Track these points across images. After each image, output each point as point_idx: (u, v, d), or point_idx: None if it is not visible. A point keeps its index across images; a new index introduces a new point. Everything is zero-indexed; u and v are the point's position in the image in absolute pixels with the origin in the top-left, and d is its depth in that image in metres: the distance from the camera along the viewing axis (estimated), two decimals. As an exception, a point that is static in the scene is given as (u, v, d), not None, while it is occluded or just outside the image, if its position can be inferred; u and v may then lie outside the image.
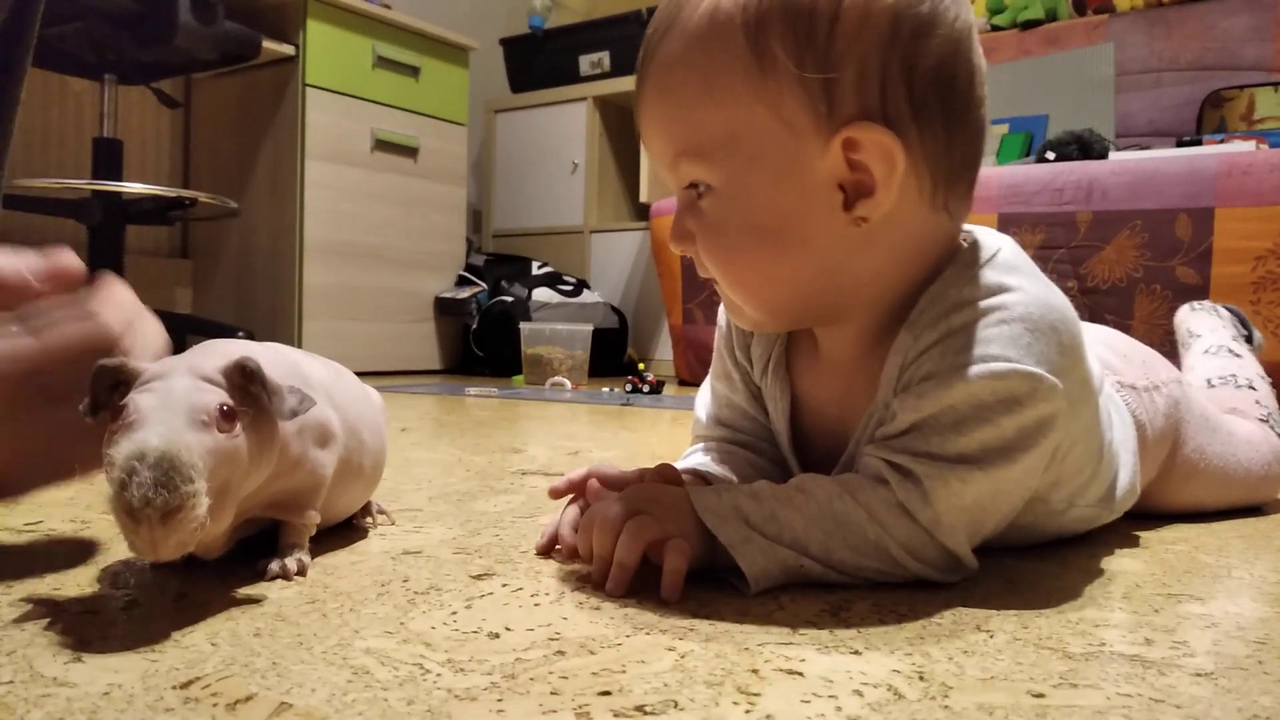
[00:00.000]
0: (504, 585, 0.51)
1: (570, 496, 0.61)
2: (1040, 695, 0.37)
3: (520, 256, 3.12)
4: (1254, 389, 0.89)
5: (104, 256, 2.09)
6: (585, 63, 3.13)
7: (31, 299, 0.49)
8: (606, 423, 1.53)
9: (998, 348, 0.51)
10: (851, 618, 0.47)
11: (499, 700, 0.35)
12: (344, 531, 0.63)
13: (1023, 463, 0.52)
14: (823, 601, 0.49)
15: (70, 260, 0.51)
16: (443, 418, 1.54)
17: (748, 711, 0.35)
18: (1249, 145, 1.98)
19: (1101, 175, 1.94)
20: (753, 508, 0.51)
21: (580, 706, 0.35)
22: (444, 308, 2.87)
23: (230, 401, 0.45)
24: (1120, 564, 0.61)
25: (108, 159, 2.12)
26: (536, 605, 0.48)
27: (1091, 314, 1.92)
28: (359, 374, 0.66)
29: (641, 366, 2.51)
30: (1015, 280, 0.54)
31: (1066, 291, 0.57)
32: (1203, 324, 1.02)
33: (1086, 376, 0.56)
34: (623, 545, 0.50)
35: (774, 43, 0.49)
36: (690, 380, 2.58)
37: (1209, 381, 0.91)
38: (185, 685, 0.36)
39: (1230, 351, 0.95)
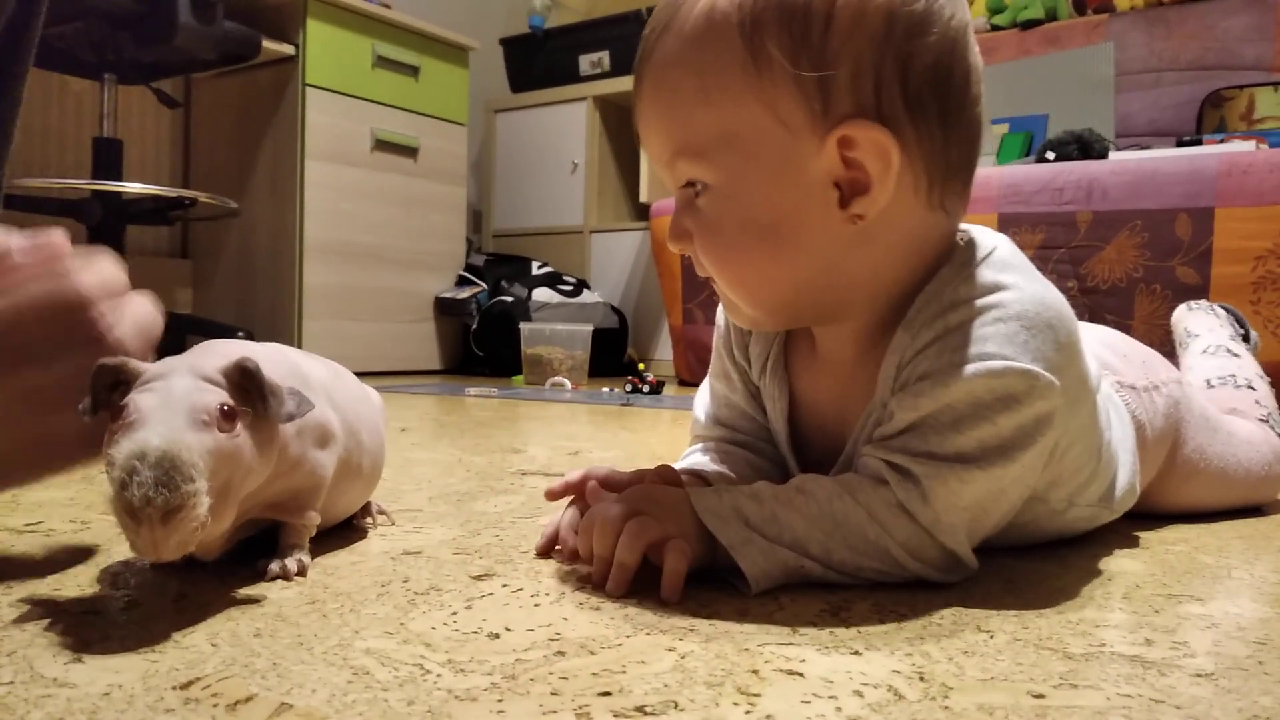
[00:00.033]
0: (504, 586, 0.51)
1: (569, 498, 0.61)
2: (1040, 696, 0.37)
3: (520, 256, 3.12)
4: (1253, 389, 0.89)
5: (104, 256, 2.08)
6: (585, 62, 3.13)
7: (9, 270, 0.48)
8: (606, 423, 1.53)
9: (994, 346, 0.51)
10: (852, 618, 0.47)
11: (499, 701, 0.35)
12: (344, 532, 0.63)
13: (1021, 461, 0.52)
14: (823, 602, 0.49)
15: (56, 237, 0.50)
16: (443, 418, 1.54)
17: (748, 712, 0.35)
18: (1249, 145, 1.98)
19: (1101, 175, 1.94)
20: (753, 509, 0.51)
21: (580, 707, 0.35)
22: (444, 308, 2.87)
23: (231, 401, 0.45)
24: (1120, 564, 0.61)
25: (108, 159, 2.12)
26: (537, 606, 0.48)
27: (1091, 314, 1.92)
28: (359, 374, 0.66)
29: (641, 366, 2.51)
30: (1011, 278, 0.54)
31: (1066, 291, 0.57)
32: (1200, 323, 1.02)
33: (1083, 374, 0.56)
34: (623, 546, 0.50)
35: (769, 42, 0.50)
36: (690, 380, 2.58)
37: (1208, 381, 0.91)
38: (185, 686, 0.36)
39: (1229, 351, 0.95)
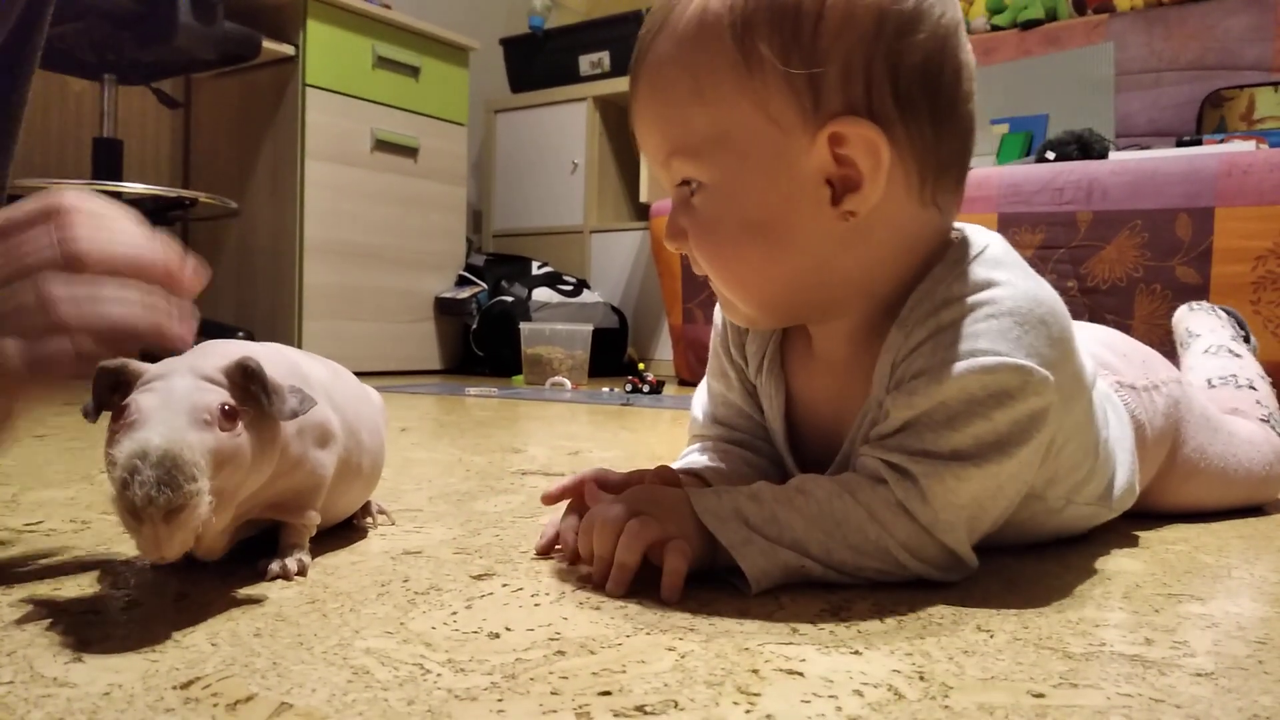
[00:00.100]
0: (504, 585, 0.51)
1: (567, 501, 0.61)
2: (1040, 695, 0.37)
3: (520, 256, 3.12)
4: (1254, 389, 0.89)
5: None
6: (585, 62, 3.13)
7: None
8: (606, 423, 1.53)
9: (987, 342, 0.51)
10: (852, 617, 0.47)
11: (499, 700, 0.35)
12: (344, 532, 0.63)
13: (1017, 457, 0.52)
14: (823, 601, 0.49)
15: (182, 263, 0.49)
16: (443, 418, 1.54)
17: (748, 711, 0.35)
18: (1249, 145, 1.98)
19: (1102, 175, 1.94)
20: (753, 509, 0.51)
21: (580, 707, 0.35)
22: (444, 308, 2.87)
23: (232, 401, 0.45)
24: (1120, 564, 0.61)
25: (108, 159, 2.12)
26: (537, 605, 0.48)
27: (1092, 314, 1.92)
28: (359, 374, 0.66)
29: (641, 366, 2.51)
30: (1003, 275, 0.54)
31: (1066, 291, 0.57)
32: (1201, 324, 1.02)
33: (1078, 371, 0.57)
34: (623, 546, 0.50)
35: (760, 42, 0.50)
36: (690, 380, 2.58)
37: (1209, 381, 0.91)
38: (186, 685, 0.36)
39: (1230, 351, 0.95)
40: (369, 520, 0.66)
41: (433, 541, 0.62)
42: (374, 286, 2.67)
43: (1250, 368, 0.93)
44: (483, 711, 0.34)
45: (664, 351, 2.98)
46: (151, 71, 2.18)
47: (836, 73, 0.50)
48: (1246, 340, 1.00)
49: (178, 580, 0.51)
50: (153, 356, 0.48)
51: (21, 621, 0.43)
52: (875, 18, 0.50)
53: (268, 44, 2.30)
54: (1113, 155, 2.04)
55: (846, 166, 0.52)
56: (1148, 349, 0.79)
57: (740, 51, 0.51)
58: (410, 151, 2.75)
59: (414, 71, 2.74)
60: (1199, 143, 2.10)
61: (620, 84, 3.01)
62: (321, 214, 2.51)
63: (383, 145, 2.66)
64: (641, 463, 0.91)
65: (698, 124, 0.53)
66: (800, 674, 0.39)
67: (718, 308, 0.67)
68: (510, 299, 2.84)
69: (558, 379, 2.35)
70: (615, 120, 3.14)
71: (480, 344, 2.86)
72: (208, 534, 0.44)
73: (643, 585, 0.50)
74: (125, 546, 0.58)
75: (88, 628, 0.42)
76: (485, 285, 2.89)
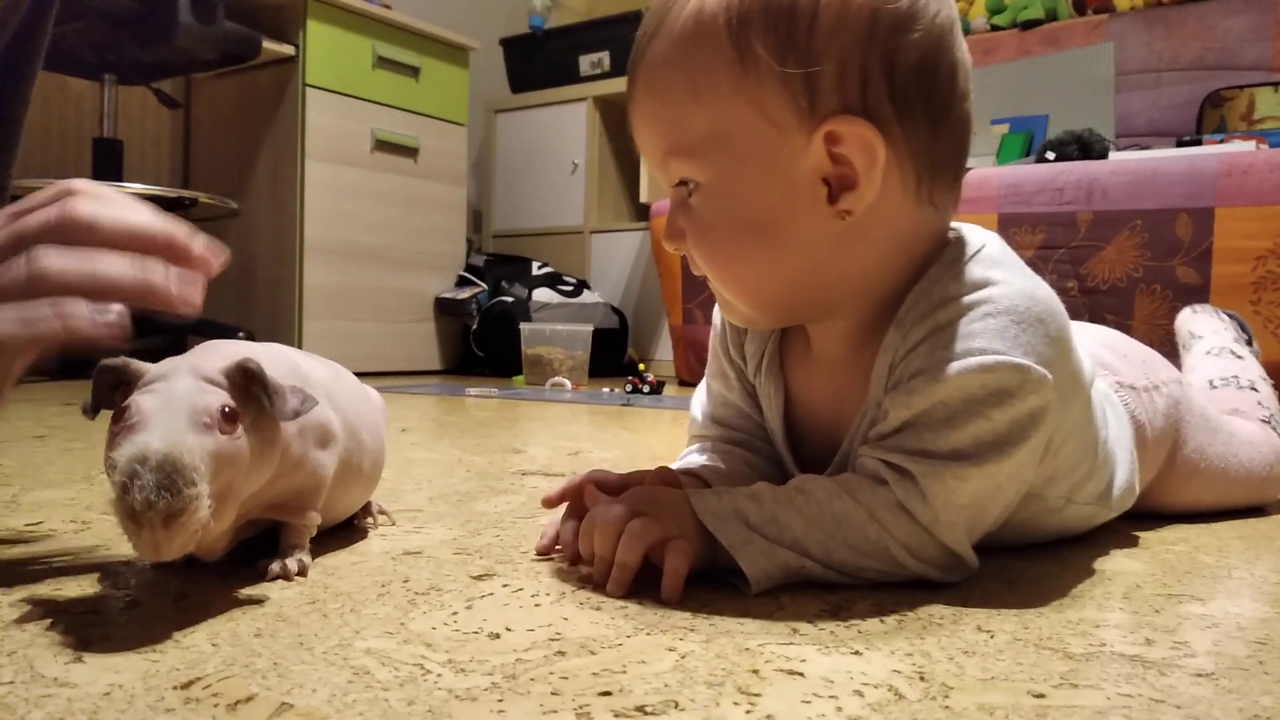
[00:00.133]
0: (504, 586, 0.51)
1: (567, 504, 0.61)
2: (1041, 695, 0.37)
3: (520, 257, 3.12)
4: (1256, 390, 0.89)
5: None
6: (585, 63, 3.13)
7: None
8: (606, 423, 1.53)
9: (984, 341, 0.51)
10: (852, 618, 0.47)
11: (500, 701, 0.35)
12: (344, 532, 0.63)
13: (1016, 456, 0.52)
14: (823, 601, 0.49)
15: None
16: (443, 418, 1.54)
17: (748, 712, 0.35)
18: (1249, 145, 1.98)
19: (1102, 175, 1.94)
20: (753, 509, 0.51)
21: (581, 707, 0.35)
22: (444, 308, 2.87)
23: (232, 403, 0.45)
24: (1121, 564, 0.61)
25: (108, 159, 2.12)
26: (537, 606, 0.48)
27: (1092, 314, 1.92)
28: (359, 374, 0.66)
29: (642, 367, 2.51)
30: (1000, 274, 0.54)
31: (1066, 291, 0.57)
32: (1204, 326, 1.02)
33: (1076, 370, 0.57)
34: (624, 546, 0.50)
35: (756, 41, 0.50)
36: (690, 380, 2.57)
37: (1211, 382, 0.91)
38: (186, 685, 0.36)
39: (1232, 353, 0.95)
40: (369, 520, 0.66)
41: (433, 542, 0.62)
42: (374, 287, 2.67)
43: (1252, 369, 0.93)
44: (483, 712, 0.34)
45: (664, 352, 2.98)
46: (151, 71, 2.18)
47: (832, 72, 0.51)
48: (1249, 344, 1.00)
49: (178, 580, 0.51)
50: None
51: (22, 621, 0.43)
52: (870, 17, 0.50)
53: (268, 44, 2.31)
54: (1113, 155, 2.04)
55: (842, 165, 0.52)
56: (1148, 349, 0.79)
57: (736, 51, 0.51)
58: (410, 151, 2.75)
59: (414, 71, 2.74)
60: (1199, 143, 2.10)
61: (620, 84, 3.00)
62: (321, 214, 2.51)
63: (383, 145, 2.66)
64: (642, 463, 0.91)
65: (694, 124, 0.53)
66: (800, 674, 0.39)
67: (717, 308, 0.67)
68: (510, 299, 2.84)
69: (558, 379, 2.35)
70: (615, 120, 3.14)
71: (480, 344, 2.86)
72: (209, 536, 0.44)
73: (643, 585, 0.50)
74: (125, 547, 0.58)
75: (88, 628, 0.42)
76: (485, 285, 2.89)
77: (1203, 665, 0.41)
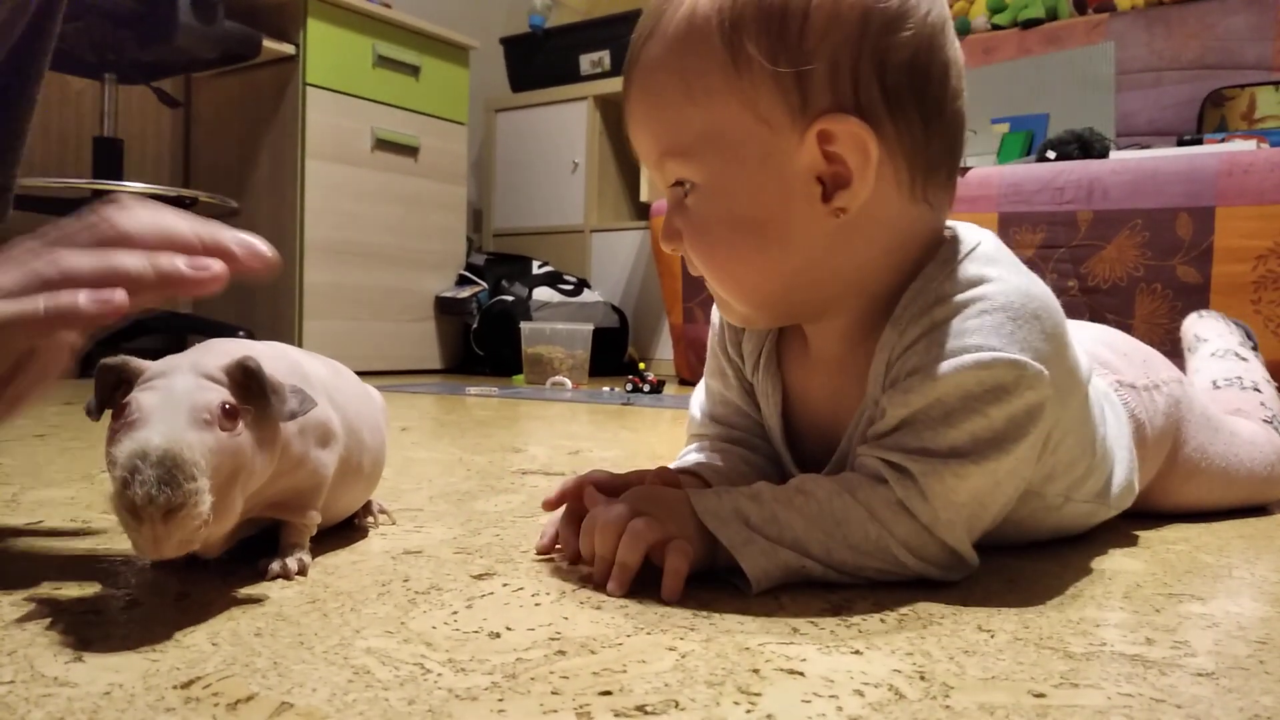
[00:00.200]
0: (505, 585, 0.51)
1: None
2: (1041, 695, 0.37)
3: (521, 256, 3.11)
4: (1259, 391, 0.89)
5: (104, 256, 2.09)
6: (586, 62, 3.13)
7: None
8: (607, 422, 1.53)
9: (981, 338, 0.52)
10: (852, 617, 0.47)
11: (500, 700, 0.35)
12: (344, 531, 0.63)
13: (1014, 453, 0.52)
14: (824, 601, 0.49)
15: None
16: (443, 417, 1.54)
17: (748, 711, 0.35)
18: (1250, 144, 1.98)
19: (1102, 174, 1.94)
20: (753, 509, 0.51)
21: (581, 706, 0.35)
22: (444, 307, 2.87)
23: (232, 400, 0.45)
24: (1121, 564, 0.61)
25: (108, 158, 2.12)
26: (537, 605, 0.48)
27: (1092, 313, 1.92)
28: (359, 373, 0.66)
29: (642, 366, 2.51)
30: (995, 271, 0.55)
31: (1067, 290, 0.58)
32: (1210, 329, 1.03)
33: (1073, 365, 0.57)
34: (625, 546, 0.50)
35: (748, 42, 0.51)
36: (691, 379, 2.58)
37: (1214, 383, 0.91)
38: (186, 685, 0.36)
39: (1237, 355, 0.96)
40: (369, 520, 0.66)
41: (433, 541, 0.62)
42: (374, 286, 2.67)
43: (1256, 371, 0.93)
44: (483, 711, 0.34)
45: (664, 351, 2.98)
46: (152, 71, 2.18)
47: (824, 71, 0.51)
48: (1254, 349, 1.00)
49: (178, 580, 0.51)
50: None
51: (22, 621, 0.43)
52: (861, 16, 0.51)
53: (268, 43, 2.31)
54: (1113, 154, 2.04)
55: (836, 164, 0.52)
56: (1148, 349, 0.79)
57: (729, 52, 0.51)
58: (410, 151, 2.75)
59: (414, 70, 2.74)
60: (1200, 142, 2.10)
61: (621, 83, 3.01)
62: (321, 213, 2.51)
63: (383, 144, 2.66)
64: (642, 462, 0.91)
65: (689, 125, 0.54)
66: (801, 674, 0.39)
67: (714, 306, 0.67)
68: (510, 298, 2.84)
69: (558, 378, 2.35)
70: (616, 119, 3.14)
71: (481, 343, 2.86)
72: (210, 534, 0.44)
73: (643, 585, 0.50)
74: (125, 546, 0.58)
75: (88, 627, 0.42)
76: (485, 285, 2.89)
77: (1203, 665, 0.41)
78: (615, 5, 3.40)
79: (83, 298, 0.45)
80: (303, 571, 0.52)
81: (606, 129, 3.13)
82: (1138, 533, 0.70)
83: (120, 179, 2.12)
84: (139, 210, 0.49)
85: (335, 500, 0.58)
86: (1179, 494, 0.76)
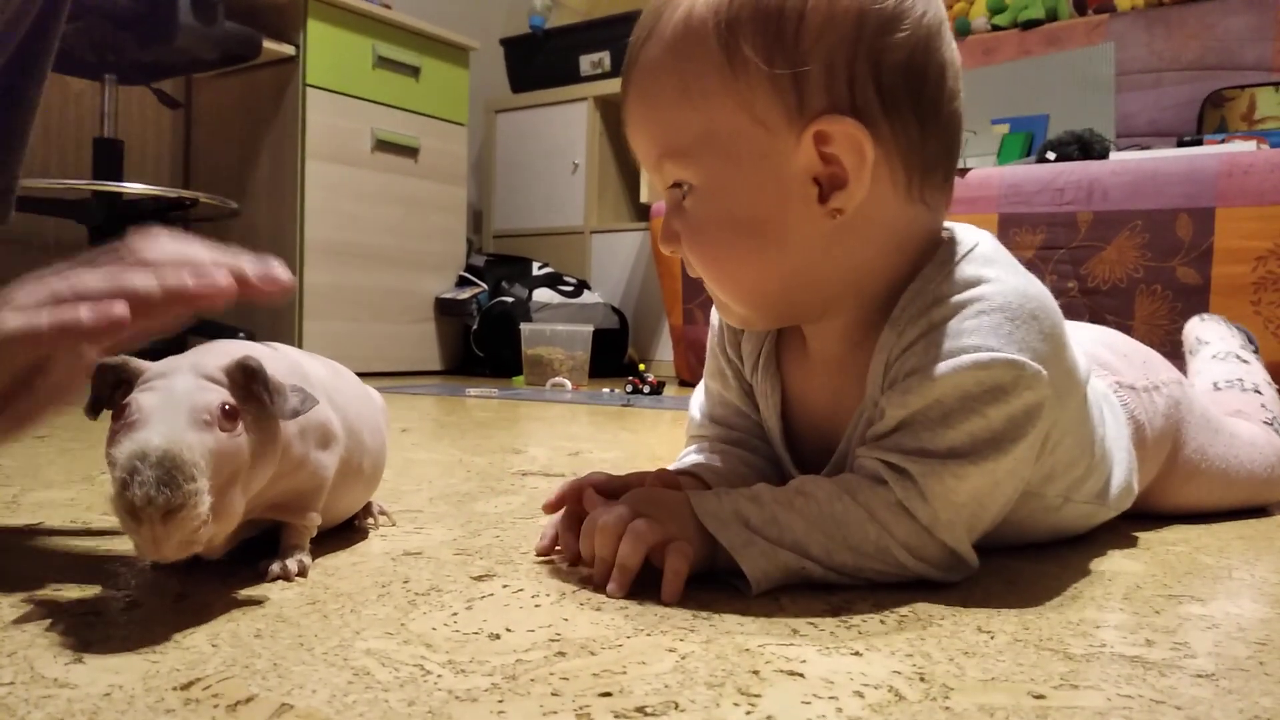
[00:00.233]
0: (505, 586, 0.51)
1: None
2: (1041, 696, 0.37)
3: (521, 257, 3.12)
4: (1260, 393, 0.89)
5: (104, 257, 2.09)
6: (586, 62, 3.13)
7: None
8: (607, 423, 1.53)
9: (979, 338, 0.52)
10: (852, 618, 0.47)
11: (500, 701, 0.35)
12: (345, 532, 0.63)
13: (1013, 453, 0.52)
14: (824, 602, 0.49)
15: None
16: (443, 418, 1.54)
17: (748, 713, 0.35)
18: (1250, 145, 1.98)
19: (1102, 175, 1.94)
20: (753, 511, 0.51)
21: (581, 707, 0.35)
22: (444, 308, 2.87)
23: (232, 400, 0.45)
24: (1121, 565, 0.61)
25: (108, 159, 2.12)
26: (537, 606, 0.48)
27: (1092, 314, 1.92)
28: (359, 374, 0.66)
29: (642, 367, 2.51)
30: (992, 272, 0.55)
31: (1067, 291, 0.58)
32: (1212, 332, 1.03)
33: (1071, 366, 0.57)
34: (625, 547, 0.50)
35: (744, 43, 0.51)
36: (691, 381, 2.58)
37: (1215, 384, 0.91)
38: (186, 686, 0.36)
39: (1238, 358, 0.96)
40: (370, 521, 0.66)
41: (433, 542, 0.62)
42: (374, 287, 2.67)
43: (1257, 373, 0.93)
44: (483, 712, 0.34)
45: (664, 352, 2.98)
46: (152, 71, 2.18)
47: (820, 72, 0.51)
48: (1255, 353, 1.01)
49: (178, 581, 0.51)
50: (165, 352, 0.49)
51: (22, 622, 0.43)
52: (856, 17, 0.51)
53: (268, 44, 2.31)
54: (1113, 155, 2.04)
55: (832, 164, 0.52)
56: (1148, 350, 0.79)
57: (725, 54, 0.52)
58: (410, 151, 2.75)
59: (414, 71, 2.74)
60: (1200, 143, 2.10)
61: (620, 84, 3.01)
62: (321, 214, 2.51)
63: (383, 145, 2.66)
64: (642, 464, 0.91)
65: (686, 126, 0.54)
66: (801, 675, 0.39)
67: (714, 307, 0.67)
68: (511, 300, 2.84)
69: (558, 380, 2.35)
70: (616, 120, 3.14)
71: (480, 345, 2.86)
72: (212, 535, 0.44)
73: (643, 586, 0.50)
74: (125, 547, 0.58)
75: (88, 629, 0.42)
76: (485, 286, 2.89)
77: (1203, 666, 0.41)
78: (615, 6, 3.40)
79: (84, 310, 0.46)
80: (303, 573, 0.52)
81: (607, 130, 3.13)
82: (1137, 534, 0.70)
83: (120, 180, 2.12)
84: (164, 239, 0.51)
85: (335, 502, 0.58)
86: (1179, 495, 0.76)
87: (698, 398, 0.72)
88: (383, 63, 2.64)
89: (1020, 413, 0.52)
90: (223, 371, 0.46)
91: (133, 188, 2.15)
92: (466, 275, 2.94)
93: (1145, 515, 0.74)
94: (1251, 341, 1.03)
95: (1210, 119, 2.46)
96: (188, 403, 0.43)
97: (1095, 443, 0.61)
